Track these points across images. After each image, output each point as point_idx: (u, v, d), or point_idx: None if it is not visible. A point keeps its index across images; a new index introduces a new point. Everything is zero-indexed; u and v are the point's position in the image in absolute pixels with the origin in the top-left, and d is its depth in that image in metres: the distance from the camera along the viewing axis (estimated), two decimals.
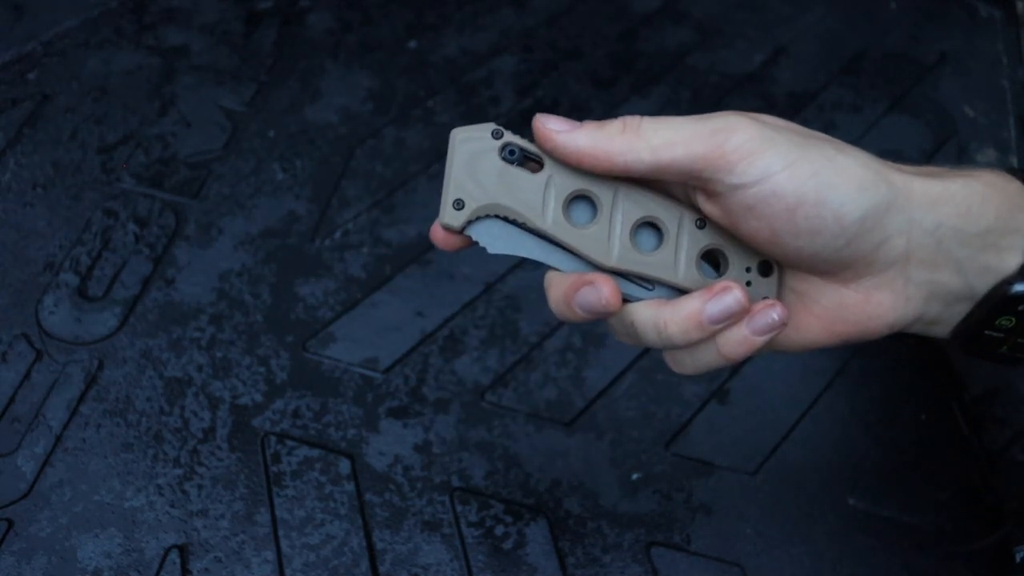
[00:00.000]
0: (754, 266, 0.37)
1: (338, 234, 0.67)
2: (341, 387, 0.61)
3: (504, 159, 0.35)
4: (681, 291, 0.37)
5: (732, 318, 0.36)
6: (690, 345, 0.37)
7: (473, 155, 0.35)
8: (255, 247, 0.66)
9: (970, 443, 0.60)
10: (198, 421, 0.59)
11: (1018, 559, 0.54)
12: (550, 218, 0.36)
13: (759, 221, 0.35)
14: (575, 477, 0.58)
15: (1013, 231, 0.37)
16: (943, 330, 0.39)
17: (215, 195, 0.69)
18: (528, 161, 0.36)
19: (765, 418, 0.61)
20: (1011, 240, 0.37)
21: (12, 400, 0.58)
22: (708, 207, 0.37)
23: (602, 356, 0.62)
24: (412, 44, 0.79)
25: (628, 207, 0.36)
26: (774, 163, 0.34)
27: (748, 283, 0.37)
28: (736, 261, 0.37)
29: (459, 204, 0.35)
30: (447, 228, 0.36)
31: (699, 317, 0.36)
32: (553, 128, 0.35)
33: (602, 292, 0.36)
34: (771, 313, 0.36)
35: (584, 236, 0.36)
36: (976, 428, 0.60)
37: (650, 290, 0.37)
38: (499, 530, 0.56)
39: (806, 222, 0.35)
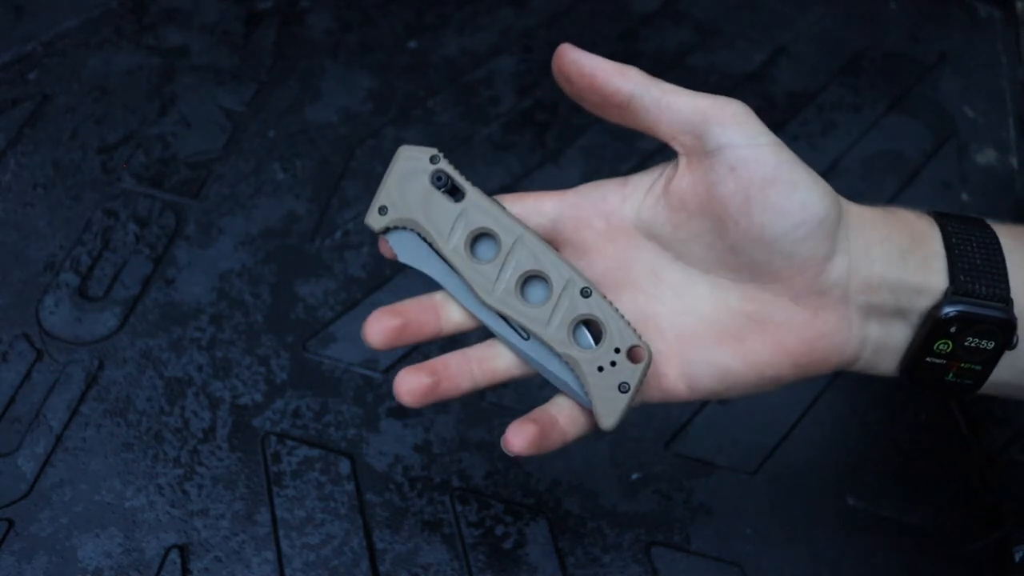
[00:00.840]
0: (624, 349, 0.38)
1: (338, 234, 0.67)
2: (341, 387, 0.61)
3: (432, 183, 0.39)
4: (550, 349, 0.39)
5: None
6: None
7: (409, 172, 0.40)
8: (255, 247, 0.67)
9: (970, 443, 0.60)
10: (198, 421, 0.59)
11: (1018, 559, 0.54)
12: (452, 245, 0.39)
13: (738, 184, 0.37)
14: (575, 477, 0.58)
15: (930, 255, 0.39)
16: (890, 363, 0.41)
17: (215, 195, 0.69)
18: (454, 191, 0.39)
19: (765, 418, 0.61)
20: (931, 263, 0.39)
21: (12, 400, 0.58)
22: (682, 182, 0.39)
23: None
24: (412, 44, 0.79)
25: (523, 256, 0.39)
26: (761, 135, 0.38)
27: (613, 363, 0.39)
28: (608, 338, 0.39)
29: (383, 210, 0.40)
30: (369, 227, 0.40)
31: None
32: (575, 49, 0.39)
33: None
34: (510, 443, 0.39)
35: (476, 270, 0.39)
36: (976, 428, 0.60)
37: (525, 339, 0.40)
38: (499, 530, 0.56)
39: (776, 198, 0.37)
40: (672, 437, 0.60)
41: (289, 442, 0.58)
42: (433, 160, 0.39)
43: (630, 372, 0.39)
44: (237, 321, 0.63)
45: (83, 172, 0.70)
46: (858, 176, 0.73)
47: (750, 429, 0.60)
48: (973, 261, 0.39)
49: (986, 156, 0.75)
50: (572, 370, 0.39)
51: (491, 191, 0.40)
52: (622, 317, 0.39)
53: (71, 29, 0.78)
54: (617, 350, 0.38)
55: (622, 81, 0.38)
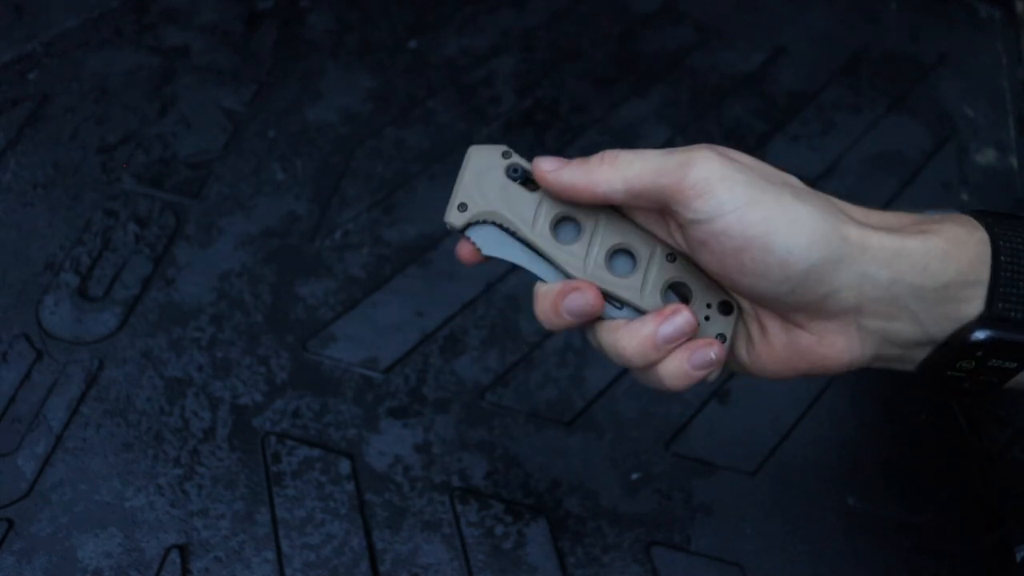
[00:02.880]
0: (715, 304, 0.40)
1: (338, 234, 0.67)
2: (341, 387, 0.61)
3: (508, 176, 0.41)
4: (645, 314, 0.41)
5: (682, 337, 0.39)
6: (648, 365, 0.40)
7: (483, 168, 0.41)
8: (255, 247, 0.67)
9: (970, 443, 0.60)
10: (198, 421, 0.59)
11: (1018, 558, 0.54)
12: (538, 231, 0.40)
13: (711, 256, 0.37)
14: (575, 477, 0.58)
15: (973, 283, 0.37)
16: (907, 367, 0.40)
17: (215, 195, 0.69)
18: (529, 181, 0.41)
19: (765, 418, 0.61)
20: (970, 292, 0.37)
21: (12, 400, 0.58)
22: (676, 236, 0.40)
23: (602, 356, 0.62)
24: (412, 44, 0.79)
25: (607, 233, 0.41)
26: (726, 203, 0.36)
27: (707, 317, 0.40)
28: (699, 297, 0.40)
29: (463, 207, 0.40)
30: (450, 226, 0.41)
31: (653, 338, 0.39)
32: (545, 169, 0.39)
33: (588, 296, 0.39)
34: (709, 351, 0.39)
35: (564, 251, 0.40)
36: (976, 428, 0.60)
37: (619, 309, 0.41)
38: (499, 530, 0.56)
39: (752, 264, 0.36)
40: (672, 437, 0.60)
41: (289, 442, 0.58)
42: (505, 155, 0.41)
43: (724, 323, 0.40)
44: (237, 321, 0.63)
45: (83, 172, 0.70)
46: (858, 176, 0.73)
47: (750, 429, 0.60)
48: (1017, 286, 0.37)
49: (986, 156, 0.75)
50: None
51: None
52: (707, 276, 0.40)
53: (71, 29, 0.78)
54: (709, 305, 0.40)
55: (592, 191, 0.39)
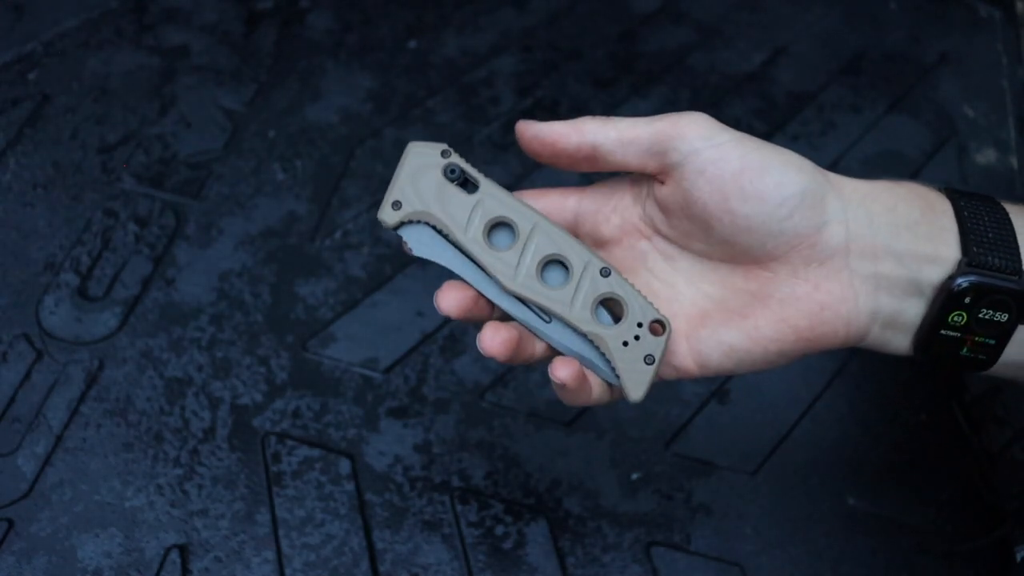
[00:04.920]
0: (647, 323, 0.40)
1: (338, 234, 0.67)
2: (341, 387, 0.61)
3: (446, 176, 0.40)
4: (574, 329, 0.40)
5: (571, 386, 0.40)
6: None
7: (420, 167, 0.40)
8: (255, 247, 0.67)
9: (970, 443, 0.60)
10: (198, 421, 0.59)
11: (1018, 559, 0.54)
12: (471, 235, 0.40)
13: (711, 184, 0.39)
14: (575, 477, 0.58)
15: (941, 227, 0.40)
16: (903, 339, 0.41)
17: (215, 195, 0.69)
18: (466, 183, 0.40)
19: (765, 418, 0.61)
20: (942, 235, 0.40)
21: (12, 400, 0.58)
22: (663, 192, 0.41)
23: None
24: (412, 44, 0.79)
25: (542, 242, 0.40)
26: (721, 134, 0.39)
27: (636, 336, 0.40)
28: (631, 314, 0.40)
29: (397, 205, 0.40)
30: (382, 223, 0.40)
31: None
32: (532, 123, 0.41)
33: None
34: (558, 370, 0.39)
35: (496, 258, 0.40)
36: (976, 428, 0.60)
37: (547, 322, 0.41)
38: (499, 530, 0.56)
39: (751, 186, 0.38)
40: (672, 437, 0.60)
41: (289, 442, 0.58)
42: (444, 154, 0.40)
43: (654, 344, 0.40)
44: (237, 321, 0.63)
45: (83, 172, 0.70)
46: (858, 176, 0.73)
47: (750, 429, 0.60)
48: (985, 234, 0.39)
49: (986, 156, 0.75)
50: (596, 348, 0.40)
51: None
52: (641, 294, 0.40)
53: (71, 29, 0.78)
54: (639, 324, 0.40)
55: (580, 136, 0.40)
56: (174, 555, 0.53)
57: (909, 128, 0.76)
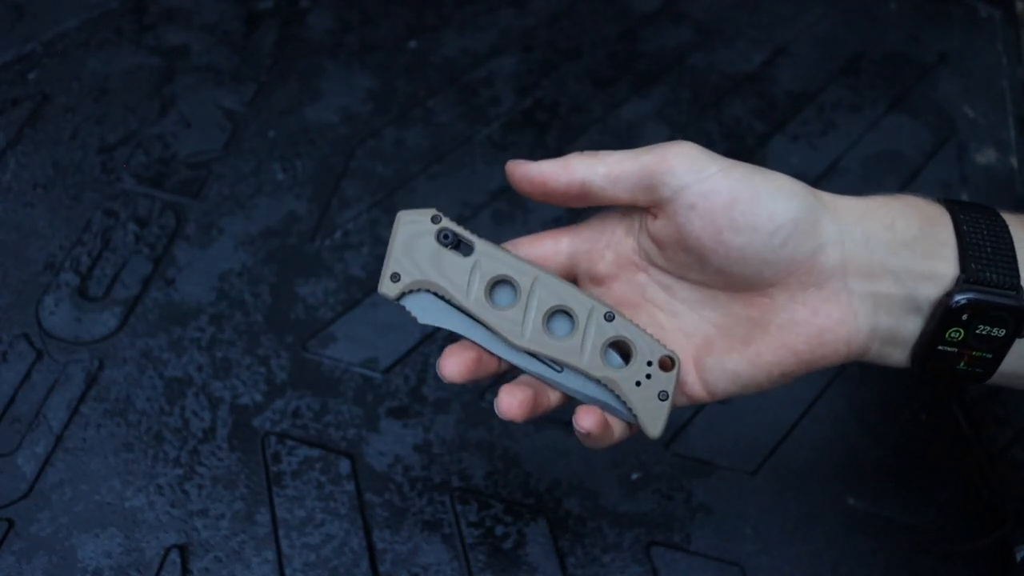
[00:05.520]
0: (656, 360, 0.40)
1: (338, 234, 0.67)
2: (341, 387, 0.61)
3: (439, 242, 0.40)
4: (586, 376, 0.41)
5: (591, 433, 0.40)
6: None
7: (413, 235, 0.40)
8: (255, 247, 0.67)
9: (970, 443, 0.60)
10: (198, 421, 0.59)
11: (1018, 558, 0.54)
12: (473, 297, 0.40)
13: (702, 219, 0.39)
14: (575, 477, 0.58)
15: (940, 243, 0.39)
16: (901, 354, 0.41)
17: (215, 195, 0.69)
18: (460, 245, 0.40)
19: (765, 418, 0.61)
20: (940, 251, 0.39)
21: (12, 400, 0.58)
22: (656, 227, 0.41)
23: None
24: (412, 44, 0.79)
25: (544, 295, 0.40)
26: (710, 166, 0.39)
27: (648, 375, 0.40)
28: (639, 353, 0.40)
29: (396, 277, 0.40)
30: (384, 296, 0.40)
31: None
32: (521, 162, 0.41)
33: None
34: (580, 422, 0.40)
35: (501, 317, 0.40)
36: (976, 428, 0.60)
37: (559, 371, 0.41)
38: (499, 530, 0.56)
39: (743, 217, 0.38)
40: (672, 437, 0.60)
41: (289, 442, 0.58)
42: (435, 220, 0.40)
43: (665, 380, 0.41)
44: (237, 321, 0.63)
45: (83, 172, 0.70)
46: (858, 176, 0.73)
47: (750, 429, 0.60)
48: (984, 248, 0.39)
49: (986, 156, 0.75)
50: (610, 390, 0.41)
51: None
52: (647, 332, 0.41)
53: (71, 29, 0.78)
54: (649, 363, 0.40)
55: (569, 175, 0.40)
56: (174, 555, 0.53)
57: (909, 128, 0.76)
